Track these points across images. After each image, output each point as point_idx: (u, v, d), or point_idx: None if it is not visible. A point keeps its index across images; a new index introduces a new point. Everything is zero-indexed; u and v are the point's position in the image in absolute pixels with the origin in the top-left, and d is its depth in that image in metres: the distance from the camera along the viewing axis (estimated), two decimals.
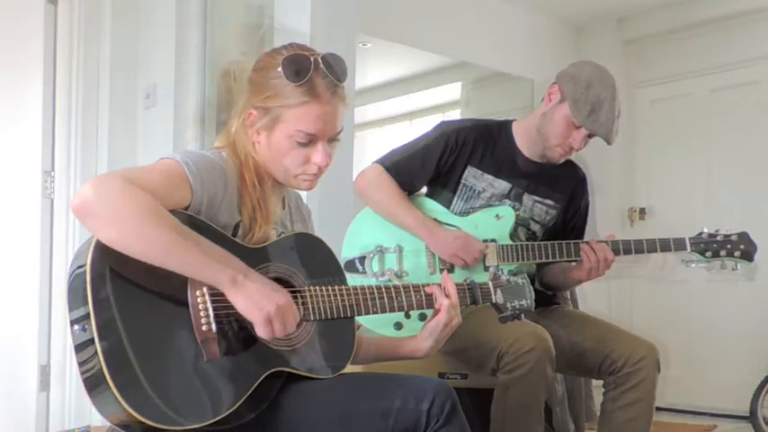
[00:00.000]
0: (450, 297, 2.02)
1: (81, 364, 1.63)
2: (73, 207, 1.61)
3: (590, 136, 2.71)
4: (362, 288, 1.95)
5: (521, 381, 2.42)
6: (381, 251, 2.78)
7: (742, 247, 2.66)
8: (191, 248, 1.64)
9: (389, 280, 2.71)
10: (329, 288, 1.90)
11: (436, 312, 2.03)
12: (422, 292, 2.02)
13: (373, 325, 2.60)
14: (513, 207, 2.78)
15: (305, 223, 2.15)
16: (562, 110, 2.69)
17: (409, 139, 2.87)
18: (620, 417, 2.59)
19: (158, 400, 1.59)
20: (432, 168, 2.77)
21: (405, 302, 2.00)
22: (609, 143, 2.71)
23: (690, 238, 2.68)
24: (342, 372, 1.91)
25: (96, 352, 1.56)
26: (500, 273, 2.23)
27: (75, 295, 1.64)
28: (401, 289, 2.00)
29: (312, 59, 1.85)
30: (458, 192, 2.78)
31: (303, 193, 2.24)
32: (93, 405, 1.64)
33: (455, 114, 6.59)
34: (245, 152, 1.89)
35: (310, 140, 1.87)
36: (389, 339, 2.23)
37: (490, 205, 2.78)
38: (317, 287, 1.88)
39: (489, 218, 2.75)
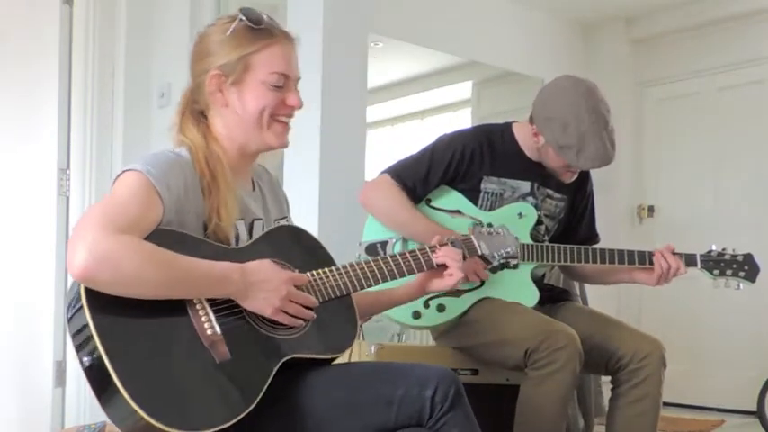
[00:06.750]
0: (461, 270, 2.10)
1: (97, 390, 1.61)
2: (75, 276, 1.58)
3: None
4: (360, 264, 1.96)
5: (552, 377, 2.45)
6: (404, 237, 2.77)
7: (746, 268, 2.75)
8: (193, 281, 1.67)
9: None
10: (325, 270, 1.90)
11: (439, 275, 2.11)
12: (421, 260, 2.06)
13: (391, 312, 2.59)
14: (536, 206, 2.79)
15: (281, 207, 2.13)
16: (552, 150, 2.70)
17: (417, 144, 2.85)
18: (627, 413, 2.61)
19: (181, 410, 1.58)
20: (436, 178, 2.76)
21: (405, 269, 2.03)
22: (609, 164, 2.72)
23: (701, 255, 2.74)
24: (348, 348, 1.92)
25: (110, 376, 1.54)
26: (480, 226, 2.27)
27: (75, 325, 1.64)
28: (399, 258, 2.03)
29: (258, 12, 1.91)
30: (479, 200, 2.76)
31: (295, 189, 2.23)
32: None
33: (466, 113, 6.61)
34: (196, 145, 1.88)
35: (284, 83, 1.90)
36: (381, 292, 2.23)
37: (514, 201, 2.78)
38: (313, 271, 1.89)
39: (512, 215, 2.75)
